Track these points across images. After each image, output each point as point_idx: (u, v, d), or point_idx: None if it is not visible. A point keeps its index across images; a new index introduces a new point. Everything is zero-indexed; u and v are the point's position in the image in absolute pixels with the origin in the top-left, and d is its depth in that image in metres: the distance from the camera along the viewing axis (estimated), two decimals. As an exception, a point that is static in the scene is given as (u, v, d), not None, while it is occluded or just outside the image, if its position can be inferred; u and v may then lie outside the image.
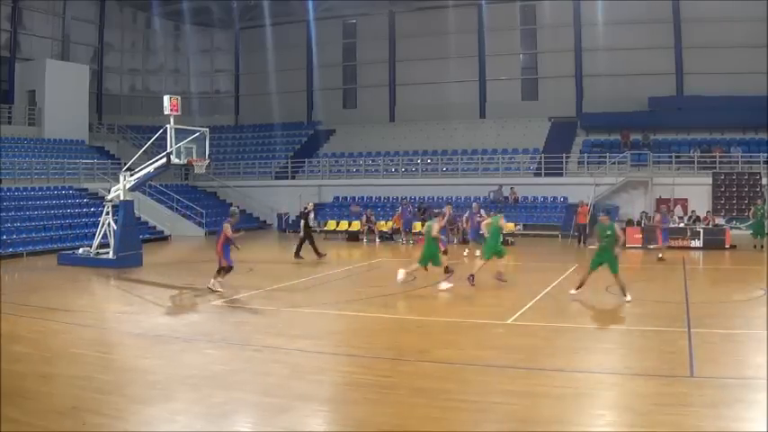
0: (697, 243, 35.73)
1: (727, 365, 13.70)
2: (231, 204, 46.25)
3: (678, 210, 40.55)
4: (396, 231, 41.80)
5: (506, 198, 44.87)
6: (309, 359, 14.34)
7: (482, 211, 32.69)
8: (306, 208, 34.07)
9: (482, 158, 49.90)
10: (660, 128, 48.96)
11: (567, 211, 42.94)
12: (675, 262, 30.11)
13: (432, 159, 51.91)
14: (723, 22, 49.09)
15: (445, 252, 25.67)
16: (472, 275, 23.22)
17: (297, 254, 32.25)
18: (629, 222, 38.89)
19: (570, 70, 54.54)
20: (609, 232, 20.49)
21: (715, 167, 44.19)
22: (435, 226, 23.28)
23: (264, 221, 51.89)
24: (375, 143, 55.09)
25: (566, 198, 44.45)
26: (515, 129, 52.55)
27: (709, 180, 43.18)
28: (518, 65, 57.87)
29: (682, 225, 37.20)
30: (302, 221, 33.04)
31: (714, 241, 35.33)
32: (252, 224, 49.45)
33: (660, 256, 31.28)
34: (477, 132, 53.42)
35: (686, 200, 41.82)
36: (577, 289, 20.85)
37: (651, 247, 33.12)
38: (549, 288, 22.99)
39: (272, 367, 13.76)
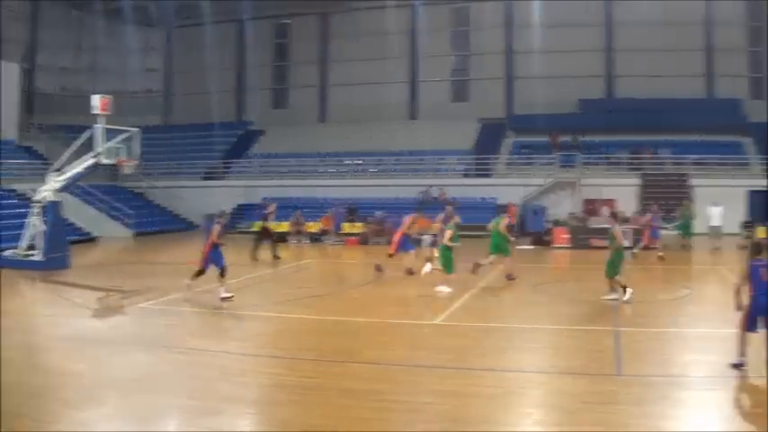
0: (626, 243, 36.15)
1: (654, 364, 13.93)
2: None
3: (605, 210, 41.09)
4: (325, 233, 41.73)
5: (435, 199, 45.08)
6: (236, 361, 14.22)
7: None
8: (266, 208, 33.91)
9: (412, 160, 50.06)
10: (590, 129, 49.64)
11: (496, 212, 43.31)
12: (602, 262, 30.51)
13: (362, 160, 51.93)
14: (654, 26, 49.99)
15: (391, 256, 26.12)
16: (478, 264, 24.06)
17: (254, 255, 32.00)
18: (556, 223, 39.36)
19: (501, 72, 55.07)
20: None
21: (643, 169, 44.91)
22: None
23: (192, 223, 51.41)
24: (306, 144, 54.81)
25: (495, 199, 44.76)
26: (445, 130, 52.72)
27: (638, 181, 43.92)
28: (449, 66, 58.25)
29: (609, 226, 37.64)
30: (261, 222, 32.94)
31: (641, 241, 35.84)
32: (180, 225, 49.12)
33: (661, 254, 31.73)
34: (408, 134, 53.54)
35: (614, 200, 42.39)
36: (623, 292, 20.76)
37: (635, 251, 33.03)
38: (476, 288, 23.14)
39: (199, 370, 13.63)
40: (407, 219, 27.08)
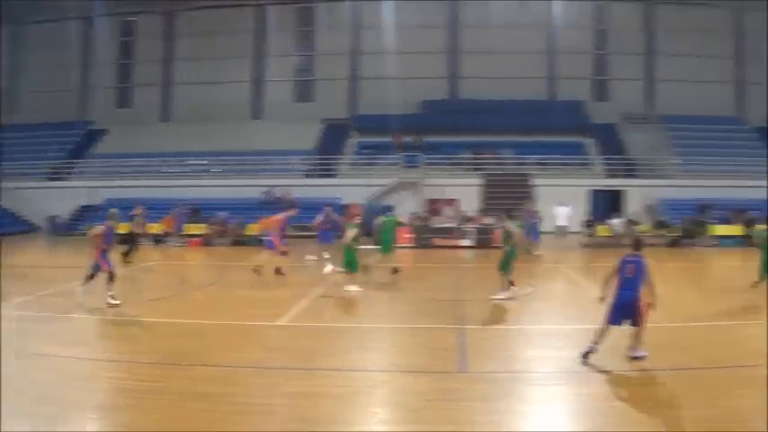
0: (468, 242, 36.72)
1: (499, 360, 14.02)
2: None
3: (448, 210, 41.48)
4: (167, 234, 40.75)
5: (278, 199, 44.64)
6: (82, 366, 13.56)
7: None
8: (135, 212, 32.86)
9: (256, 160, 49.50)
10: (433, 130, 50.10)
11: (340, 212, 43.18)
12: (447, 261, 30.77)
13: (206, 161, 51.05)
14: (498, 28, 50.91)
15: (284, 253, 25.87)
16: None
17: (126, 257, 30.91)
18: (399, 223, 39.47)
19: (345, 72, 55.11)
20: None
21: (486, 169, 45.60)
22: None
23: (34, 225, 49.45)
24: (149, 143, 53.52)
25: (339, 199, 44.64)
26: (289, 130, 52.35)
27: (480, 181, 44.53)
28: (293, 66, 57.94)
29: (453, 225, 38.09)
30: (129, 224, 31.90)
31: (484, 240, 36.37)
32: (22, 227, 47.29)
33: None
34: (252, 133, 52.95)
35: (457, 200, 42.84)
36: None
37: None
38: (321, 288, 22.91)
39: (44, 375, 12.91)
40: (280, 217, 26.55)
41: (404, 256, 32.44)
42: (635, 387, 12.34)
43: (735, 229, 39.70)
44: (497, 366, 13.50)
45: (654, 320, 16.47)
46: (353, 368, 13.53)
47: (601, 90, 55.11)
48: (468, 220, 39.34)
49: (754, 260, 28.00)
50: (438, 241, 36.03)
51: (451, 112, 51.25)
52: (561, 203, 37.94)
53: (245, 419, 10.69)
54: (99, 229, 20.04)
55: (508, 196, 42.22)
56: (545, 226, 37.90)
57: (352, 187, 44.47)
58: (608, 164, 47.33)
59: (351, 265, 22.06)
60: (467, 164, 47.01)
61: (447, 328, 16.79)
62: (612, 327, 13.73)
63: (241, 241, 38.38)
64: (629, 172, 47.05)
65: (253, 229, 38.03)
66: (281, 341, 15.91)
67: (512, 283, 20.93)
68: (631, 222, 39.34)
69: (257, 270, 25.71)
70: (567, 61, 53.19)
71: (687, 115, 51.80)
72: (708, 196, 42.70)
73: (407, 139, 49.42)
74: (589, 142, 49.85)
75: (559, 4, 53.17)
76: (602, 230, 38.56)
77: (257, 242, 36.83)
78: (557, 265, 30.42)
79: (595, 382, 12.58)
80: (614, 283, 13.88)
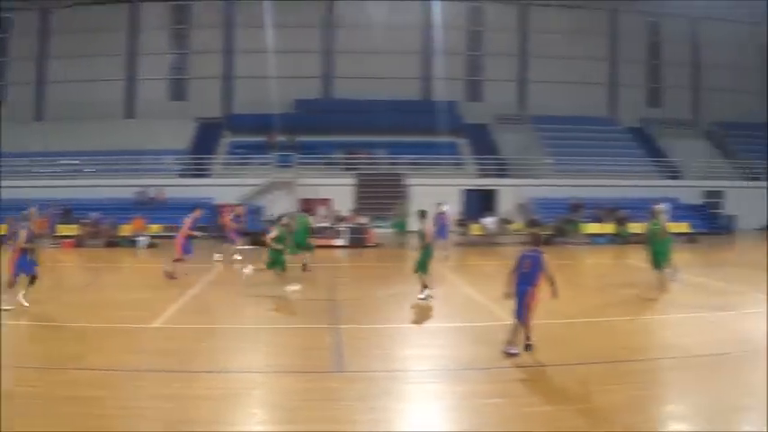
0: (342, 242, 36.79)
1: (375, 359, 14.09)
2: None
3: (322, 210, 41.48)
4: (39, 236, 39.51)
5: (152, 199, 43.92)
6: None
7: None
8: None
9: (129, 159, 48.50)
10: (307, 130, 49.98)
11: (214, 213, 42.74)
12: (320, 260, 30.75)
13: (78, 160, 49.78)
14: (372, 28, 51.08)
15: (177, 260, 25.02)
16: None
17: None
18: (272, 222, 39.28)
19: (219, 71, 54.57)
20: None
21: (359, 169, 45.76)
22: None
23: None
24: (21, 142, 51.86)
25: (212, 199, 44.13)
26: (163, 129, 51.46)
27: (353, 181, 44.66)
28: (167, 64, 57.06)
29: (326, 224, 38.11)
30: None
31: (358, 240, 36.52)
32: None
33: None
34: (125, 133, 51.88)
35: (330, 200, 42.87)
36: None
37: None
38: (194, 289, 22.64)
39: None
40: (188, 220, 25.88)
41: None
42: (511, 384, 12.50)
43: (606, 228, 40.78)
44: (374, 365, 13.58)
45: (543, 317, 16.87)
46: (230, 370, 13.35)
47: (474, 91, 55.96)
48: (342, 219, 39.40)
49: (625, 257, 28.83)
50: (311, 241, 36.03)
51: (325, 111, 51.32)
52: (442, 202, 38.27)
53: (120, 423, 10.49)
54: (22, 233, 19.45)
55: (381, 196, 42.52)
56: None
57: (225, 187, 44.02)
58: (480, 164, 48.07)
59: (277, 264, 21.94)
60: (340, 164, 47.09)
61: (322, 328, 16.75)
62: (526, 325, 14.17)
63: (114, 242, 37.65)
64: (502, 172, 47.87)
65: (126, 230, 37.36)
66: (158, 343, 15.60)
67: (425, 285, 21.00)
68: (504, 221, 40.01)
69: (170, 274, 25.08)
70: (441, 62, 53.70)
71: (559, 116, 53.19)
72: (580, 195, 43.80)
73: (281, 138, 49.19)
74: (462, 142, 50.51)
75: (434, 5, 53.63)
76: (475, 229, 39.11)
77: (130, 243, 36.26)
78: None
79: (471, 380, 12.75)
80: (515, 279, 14.26)
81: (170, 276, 24.58)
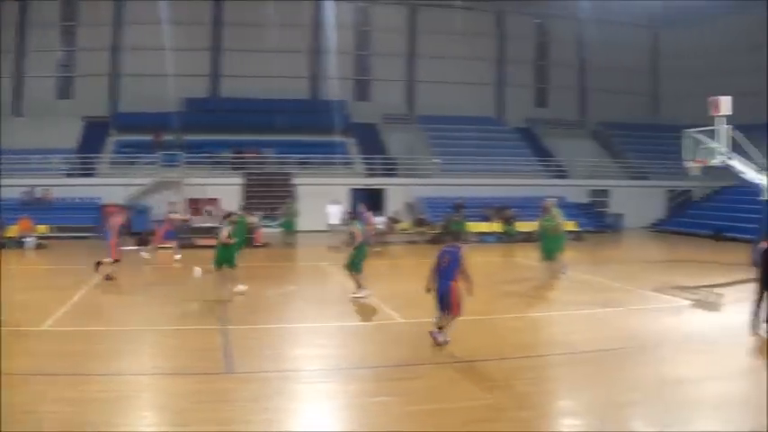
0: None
1: (267, 359, 14.21)
2: None
3: (209, 209, 41.22)
4: None
5: (39, 200, 42.97)
6: None
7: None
8: None
9: (16, 159, 47.25)
10: (194, 128, 49.47)
11: (100, 213, 42.06)
12: (208, 261, 30.56)
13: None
14: (262, 27, 50.84)
15: (116, 261, 24.62)
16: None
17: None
18: (160, 222, 38.92)
19: (105, 69, 53.61)
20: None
21: (247, 168, 45.61)
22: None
23: None
24: None
25: (99, 199, 43.37)
26: (50, 128, 50.23)
27: (241, 180, 44.50)
28: (55, 62, 55.74)
29: (214, 224, 37.89)
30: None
31: (246, 240, 36.32)
32: None
33: None
34: (12, 131, 50.45)
35: (218, 199, 42.60)
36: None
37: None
38: (83, 290, 22.32)
39: None
40: (114, 220, 25.52)
41: (165, 256, 32.02)
42: (399, 382, 12.75)
43: (494, 226, 41.48)
44: (266, 365, 13.70)
45: (419, 315, 17.24)
46: (119, 372, 13.24)
47: (362, 90, 56.23)
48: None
49: (513, 255, 29.36)
50: (199, 241, 35.73)
51: (213, 110, 50.89)
52: (334, 202, 38.46)
53: (10, 429, 10.26)
54: None
55: (270, 196, 42.46)
56: (320, 225, 38.84)
57: (111, 187, 43.32)
58: (369, 163, 48.30)
59: (228, 262, 21.72)
60: (228, 163, 46.80)
61: (212, 329, 16.77)
62: (454, 317, 14.91)
63: (1, 243, 36.79)
64: (390, 171, 48.21)
65: (13, 231, 36.57)
66: (47, 346, 15.36)
67: (359, 284, 21.37)
68: (392, 220, 40.36)
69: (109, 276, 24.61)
70: (330, 61, 53.78)
71: (447, 116, 53.74)
72: (467, 195, 44.40)
73: (168, 137, 48.62)
74: (350, 142, 50.65)
75: (323, 4, 53.69)
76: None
77: (17, 244, 35.45)
78: (318, 264, 30.73)
79: (360, 379, 13.04)
80: (435, 275, 14.90)
81: (109, 278, 24.21)
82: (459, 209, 40.98)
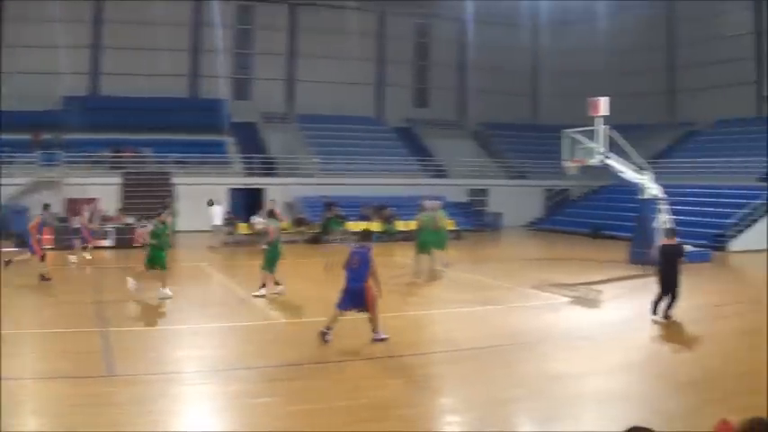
0: (109, 242, 36.01)
1: (148, 362, 14.10)
2: None
3: (89, 209, 40.40)
4: None
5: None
6: None
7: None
8: None
9: None
10: (73, 127, 48.30)
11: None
12: (88, 262, 30.03)
13: None
14: (142, 24, 49.98)
15: (43, 258, 24.44)
16: None
17: None
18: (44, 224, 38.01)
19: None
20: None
21: (126, 167, 44.83)
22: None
23: None
24: None
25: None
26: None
27: (120, 180, 43.70)
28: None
29: (94, 225, 37.19)
30: None
31: (125, 240, 35.78)
32: None
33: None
34: None
35: (97, 199, 41.76)
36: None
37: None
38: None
39: None
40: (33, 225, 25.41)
41: (53, 256, 31.32)
42: (279, 383, 12.82)
43: (373, 225, 41.64)
44: (147, 368, 13.56)
45: (299, 315, 17.22)
46: (-1, 377, 12.92)
47: (242, 89, 55.79)
48: (109, 219, 38.53)
49: (392, 255, 29.48)
50: (78, 242, 34.96)
51: (93, 109, 49.74)
52: (215, 202, 38.01)
53: None
54: None
55: (148, 195, 41.83)
56: (200, 225, 38.60)
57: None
58: (248, 162, 47.95)
59: (157, 262, 21.42)
60: (107, 162, 45.86)
61: (91, 331, 16.50)
62: (341, 312, 15.40)
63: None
64: (269, 170, 47.93)
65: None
66: None
67: (277, 282, 21.55)
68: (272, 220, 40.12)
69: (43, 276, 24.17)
70: (209, 60, 53.29)
71: (326, 115, 53.79)
72: (347, 194, 44.55)
73: (46, 136, 47.38)
74: (230, 141, 50.22)
75: (204, 3, 53.08)
76: (242, 228, 39.10)
77: None
78: (199, 264, 30.40)
79: (242, 380, 13.09)
80: (344, 274, 15.31)
81: (44, 278, 23.90)
82: (331, 208, 41.05)
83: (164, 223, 22.45)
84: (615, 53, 55.68)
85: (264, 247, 21.98)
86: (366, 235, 16.30)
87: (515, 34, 59.78)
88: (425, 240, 26.05)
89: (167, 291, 21.16)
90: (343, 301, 15.30)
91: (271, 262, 21.45)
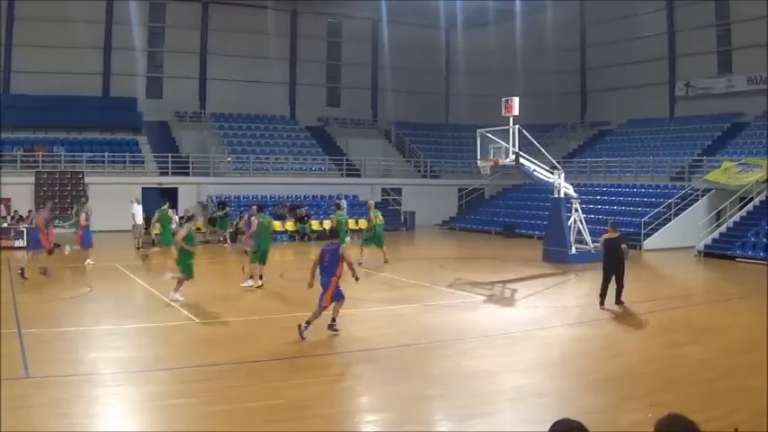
0: (21, 243, 35.34)
1: (64, 363, 13.85)
2: None
3: (1, 210, 39.64)
4: None
5: None
6: None
7: None
8: None
9: None
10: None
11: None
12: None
13: None
14: (55, 22, 49.10)
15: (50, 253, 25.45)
16: None
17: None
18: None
19: None
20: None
21: (38, 166, 44.06)
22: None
23: None
24: None
25: None
26: None
27: (32, 179, 42.93)
28: None
29: (5, 225, 36.53)
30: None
31: (38, 240, 35.10)
32: None
33: None
34: None
35: (9, 199, 41.03)
36: None
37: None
38: None
39: None
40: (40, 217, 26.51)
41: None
42: (197, 383, 12.72)
43: (288, 225, 41.62)
44: (63, 369, 13.33)
45: (215, 316, 17.18)
46: None
47: (154, 88, 55.15)
48: (21, 219, 37.84)
49: (307, 254, 29.38)
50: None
51: (3, 107, 48.69)
52: (136, 201, 37.44)
53: None
54: None
55: (61, 195, 41.24)
56: (113, 225, 38.32)
57: None
58: (160, 161, 47.43)
59: (185, 270, 20.88)
60: (19, 161, 44.96)
61: (4, 333, 16.04)
62: (323, 309, 16.29)
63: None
64: (182, 170, 47.50)
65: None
66: None
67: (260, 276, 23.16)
68: (187, 219, 39.76)
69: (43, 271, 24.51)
70: (121, 58, 52.58)
71: (240, 113, 53.75)
72: (261, 193, 44.52)
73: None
74: (142, 140, 49.64)
75: (116, 2, 52.36)
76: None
77: None
78: (113, 264, 29.94)
79: (159, 381, 12.97)
80: (316, 271, 16.27)
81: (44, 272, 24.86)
82: (222, 206, 40.97)
83: (198, 229, 22.70)
84: (528, 53, 56.43)
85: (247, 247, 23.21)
86: (334, 233, 17.86)
87: (428, 34, 60.33)
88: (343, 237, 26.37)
89: (178, 296, 20.61)
90: (322, 298, 16.21)
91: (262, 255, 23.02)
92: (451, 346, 15.77)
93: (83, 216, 31.15)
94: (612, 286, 20.29)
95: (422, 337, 16.37)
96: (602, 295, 20.27)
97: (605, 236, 20.92)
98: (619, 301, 20.31)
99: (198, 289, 21.69)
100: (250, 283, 23.12)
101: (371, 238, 30.02)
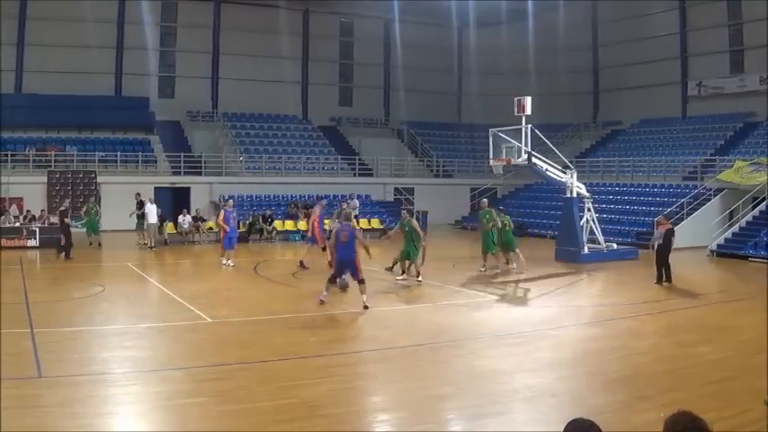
0: (33, 242, 35.37)
1: (76, 363, 13.81)
2: None
3: (14, 209, 39.67)
4: None
5: None
6: None
7: None
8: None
9: None
10: (-2, 126, 47.49)
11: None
12: (12, 262, 29.43)
13: None
14: (68, 22, 49.16)
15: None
16: None
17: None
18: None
19: None
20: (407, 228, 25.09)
21: (50, 166, 44.12)
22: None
23: None
24: None
25: None
26: None
27: (45, 179, 42.99)
28: None
29: (18, 225, 36.55)
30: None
31: (50, 240, 35.10)
32: None
33: None
34: None
35: (21, 199, 41.11)
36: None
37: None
38: None
39: None
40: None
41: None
42: (209, 383, 12.68)
43: (301, 225, 41.57)
44: (75, 369, 13.29)
45: (225, 315, 17.12)
46: None
47: (167, 87, 55.18)
48: (33, 219, 37.88)
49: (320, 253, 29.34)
50: (3, 242, 34.35)
51: (16, 107, 48.77)
52: (150, 201, 37.42)
53: None
54: None
55: (74, 194, 41.31)
56: (126, 225, 38.41)
57: None
58: (173, 161, 47.48)
59: None
60: (31, 161, 45.03)
61: (17, 332, 16.07)
62: (337, 279, 19.79)
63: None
64: (195, 169, 47.51)
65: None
66: None
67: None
68: (198, 219, 39.82)
69: None
70: (134, 57, 52.63)
71: (252, 113, 53.85)
72: (274, 193, 44.54)
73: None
74: (154, 139, 49.69)
75: (129, 2, 52.40)
76: (169, 228, 38.72)
77: None
78: (126, 264, 29.98)
79: (171, 380, 12.92)
80: (334, 249, 18.92)
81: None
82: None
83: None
84: (540, 53, 56.30)
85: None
86: (347, 216, 20.21)
87: (441, 33, 60.34)
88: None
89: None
90: (338, 269, 19.34)
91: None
92: (464, 346, 15.72)
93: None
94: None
95: (434, 337, 16.30)
96: (660, 276, 24.75)
97: (661, 228, 25.65)
98: (669, 279, 24.71)
99: (208, 288, 21.73)
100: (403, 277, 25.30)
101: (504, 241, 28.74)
